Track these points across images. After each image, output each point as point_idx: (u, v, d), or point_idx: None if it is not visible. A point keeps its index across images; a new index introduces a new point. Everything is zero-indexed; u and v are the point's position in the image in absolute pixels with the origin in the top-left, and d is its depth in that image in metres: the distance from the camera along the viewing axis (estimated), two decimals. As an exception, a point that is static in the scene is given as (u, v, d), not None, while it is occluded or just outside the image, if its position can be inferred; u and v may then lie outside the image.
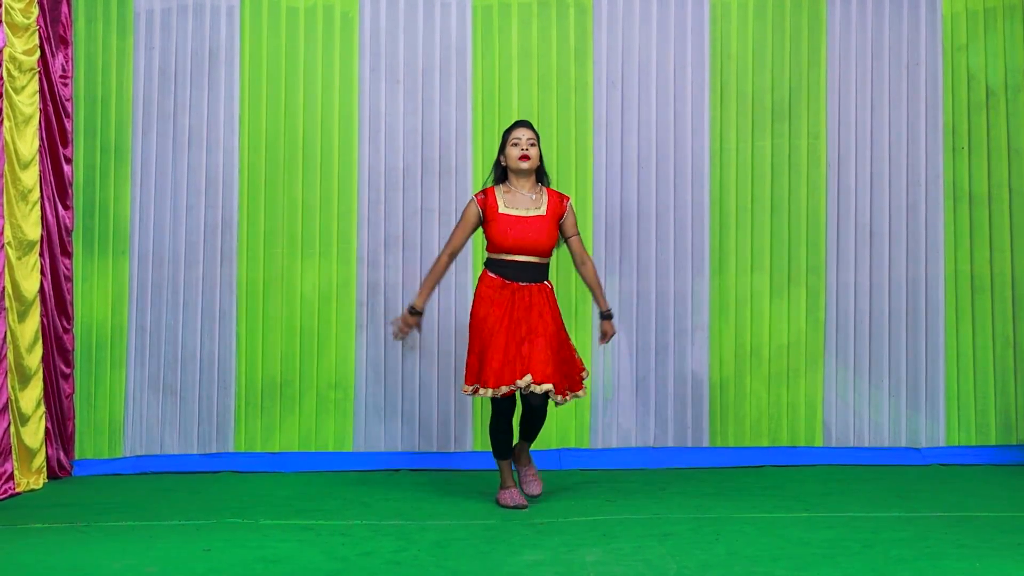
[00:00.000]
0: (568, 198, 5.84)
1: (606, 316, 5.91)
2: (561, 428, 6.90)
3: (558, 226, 5.77)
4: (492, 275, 5.71)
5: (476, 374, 5.66)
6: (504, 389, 5.56)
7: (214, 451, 6.85)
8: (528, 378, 5.53)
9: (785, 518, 5.35)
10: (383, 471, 6.78)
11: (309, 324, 6.91)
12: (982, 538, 4.84)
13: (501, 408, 5.70)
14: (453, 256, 5.83)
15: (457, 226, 5.79)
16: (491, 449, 5.82)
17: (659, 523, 5.25)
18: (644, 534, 5.01)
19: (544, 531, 5.10)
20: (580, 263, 5.89)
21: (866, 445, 6.96)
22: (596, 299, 5.94)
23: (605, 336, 5.94)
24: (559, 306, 5.86)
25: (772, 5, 7.03)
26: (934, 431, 6.97)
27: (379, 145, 6.95)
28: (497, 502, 5.76)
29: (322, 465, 6.80)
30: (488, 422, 5.84)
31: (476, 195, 5.78)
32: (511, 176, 5.79)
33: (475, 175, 6.91)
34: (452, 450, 6.88)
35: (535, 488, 5.82)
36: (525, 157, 5.73)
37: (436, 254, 6.88)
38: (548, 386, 5.54)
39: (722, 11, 7.02)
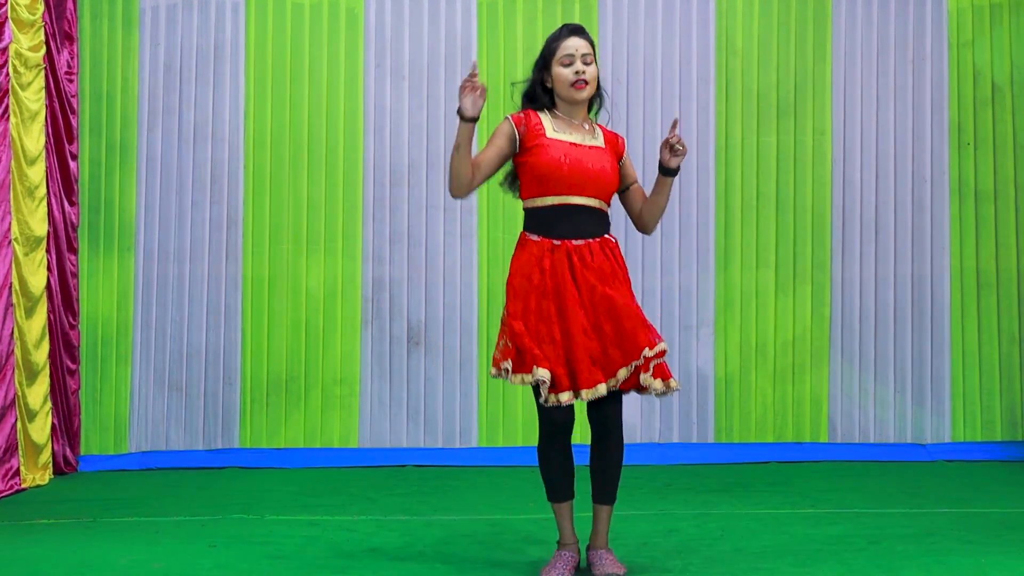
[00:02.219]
0: (623, 137, 4.37)
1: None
2: (566, 424, 6.90)
3: (619, 168, 4.21)
4: (535, 237, 4.05)
5: (517, 352, 3.99)
6: (556, 393, 3.96)
7: (220, 447, 6.86)
8: (601, 387, 3.98)
9: (790, 514, 5.35)
10: (388, 467, 6.78)
11: (314, 320, 6.92)
12: (988, 534, 4.84)
13: (554, 421, 4.02)
14: (471, 166, 4.05)
15: (483, 149, 4.11)
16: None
17: (664, 519, 5.24)
18: (649, 530, 5.00)
19: (548, 527, 5.09)
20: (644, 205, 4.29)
21: (871, 441, 6.95)
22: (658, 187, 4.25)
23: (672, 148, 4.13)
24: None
25: (777, 0, 7.02)
26: (939, 427, 6.97)
27: (384, 141, 6.95)
28: None
29: (327, 461, 6.81)
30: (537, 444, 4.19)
31: (511, 114, 4.16)
32: (559, 104, 4.13)
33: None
34: (457, 446, 6.88)
35: (614, 568, 4.12)
36: (582, 83, 4.03)
37: (441, 250, 6.91)
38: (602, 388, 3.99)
39: (727, 6, 7.01)
